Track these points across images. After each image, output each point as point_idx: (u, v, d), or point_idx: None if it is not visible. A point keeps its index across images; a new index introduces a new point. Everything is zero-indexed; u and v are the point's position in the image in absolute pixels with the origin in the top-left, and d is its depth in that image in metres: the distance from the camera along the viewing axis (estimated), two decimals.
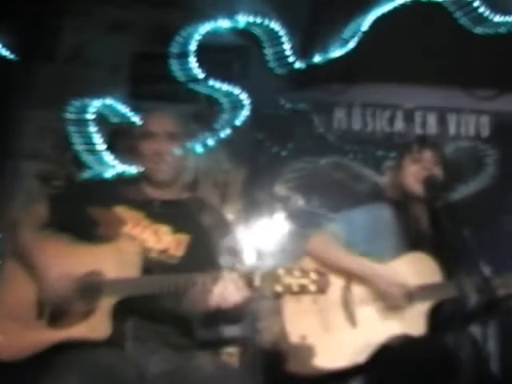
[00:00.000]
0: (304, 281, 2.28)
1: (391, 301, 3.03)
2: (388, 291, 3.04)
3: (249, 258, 4.59)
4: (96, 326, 2.47)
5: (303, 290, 2.28)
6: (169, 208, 2.89)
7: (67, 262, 2.64)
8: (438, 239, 3.19)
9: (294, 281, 2.28)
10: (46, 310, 2.60)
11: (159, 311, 2.63)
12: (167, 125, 2.93)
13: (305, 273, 2.30)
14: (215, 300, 2.45)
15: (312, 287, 2.28)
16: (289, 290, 2.29)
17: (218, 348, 3.66)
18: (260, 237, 4.68)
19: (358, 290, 3.10)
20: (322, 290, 2.29)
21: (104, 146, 4.74)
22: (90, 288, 2.55)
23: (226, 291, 2.40)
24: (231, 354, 3.85)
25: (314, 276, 2.29)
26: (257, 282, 2.35)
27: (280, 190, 4.80)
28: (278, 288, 2.29)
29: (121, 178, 4.45)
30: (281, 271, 2.30)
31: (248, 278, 2.38)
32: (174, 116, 3.09)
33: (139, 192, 2.93)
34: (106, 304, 2.49)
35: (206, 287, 2.42)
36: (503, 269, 3.15)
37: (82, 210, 2.86)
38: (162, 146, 2.86)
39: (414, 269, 3.10)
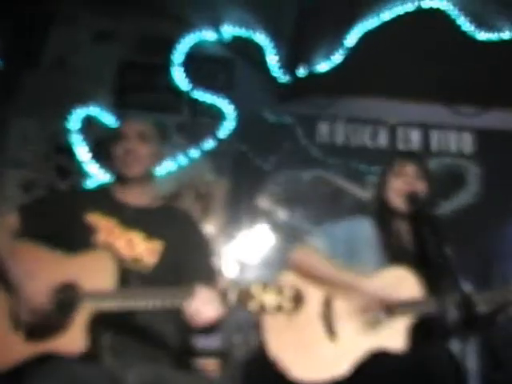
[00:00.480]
0: (278, 298, 2.26)
1: (371, 314, 3.04)
2: (368, 304, 3.04)
3: (230, 271, 4.59)
4: (72, 339, 2.45)
5: (278, 307, 2.25)
6: (142, 214, 2.89)
7: (42, 273, 2.62)
8: (419, 254, 3.19)
9: (269, 298, 2.25)
10: (22, 322, 2.57)
11: (135, 324, 2.61)
12: (138, 126, 2.96)
13: (279, 290, 2.27)
14: (190, 315, 2.45)
15: (286, 304, 2.25)
16: (263, 307, 2.26)
17: (195, 360, 3.65)
18: (242, 249, 4.68)
19: (337, 305, 3.10)
20: (296, 307, 2.26)
21: (88, 155, 4.72)
22: (66, 301, 2.53)
23: (201, 307, 2.38)
24: (211, 366, 3.83)
25: (288, 293, 2.27)
26: (231, 298, 2.33)
27: (263, 202, 4.80)
28: (253, 305, 2.26)
29: (93, 186, 4.44)
30: (255, 288, 2.27)
31: (222, 295, 2.35)
32: (146, 120, 3.12)
33: (112, 198, 2.93)
34: (82, 317, 2.47)
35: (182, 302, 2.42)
36: (485, 285, 3.17)
37: (53, 219, 2.85)
38: (131, 145, 2.87)
39: (395, 283, 3.10)
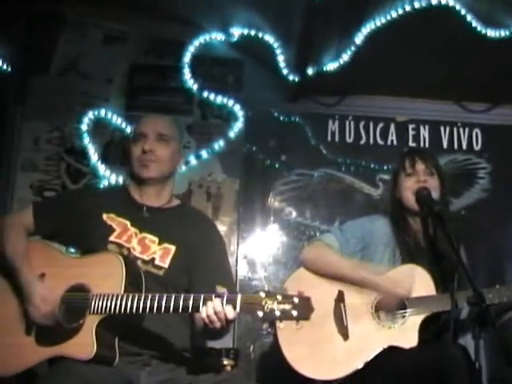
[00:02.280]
0: (286, 306, 2.22)
1: (385, 312, 3.05)
2: (383, 302, 3.06)
3: (241, 270, 4.60)
4: (83, 343, 2.45)
5: (285, 315, 2.22)
6: (157, 215, 2.88)
7: (53, 276, 2.63)
8: (432, 251, 3.20)
9: (276, 306, 2.22)
10: (33, 326, 2.58)
11: (146, 326, 2.61)
12: (157, 126, 2.95)
13: (287, 298, 2.23)
14: (199, 320, 2.44)
15: (294, 312, 2.21)
16: (271, 315, 2.22)
17: (208, 360, 3.65)
18: (253, 248, 4.69)
19: (350, 303, 3.11)
20: (304, 315, 2.23)
21: (98, 157, 4.74)
22: (76, 304, 2.54)
23: (209, 315, 2.36)
24: (224, 366, 3.84)
25: (296, 301, 2.23)
26: (238, 307, 2.31)
27: (273, 201, 4.80)
28: (260, 313, 2.23)
29: (109, 186, 4.45)
30: (262, 296, 2.24)
31: (230, 303, 2.33)
32: (166, 118, 3.11)
33: (128, 198, 2.93)
34: (93, 320, 2.47)
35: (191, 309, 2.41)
36: (497, 281, 3.17)
37: (68, 217, 2.86)
38: (150, 145, 2.86)
39: (408, 281, 3.10)
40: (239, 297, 2.32)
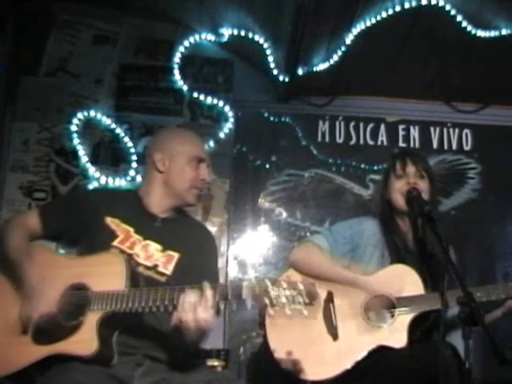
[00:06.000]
0: (292, 292, 2.23)
1: (373, 312, 3.05)
2: (371, 302, 3.06)
3: (232, 270, 4.60)
4: (83, 340, 2.43)
5: (292, 301, 2.22)
6: (164, 225, 2.86)
7: (54, 276, 2.62)
8: (422, 252, 3.20)
9: (282, 292, 2.23)
10: (30, 325, 2.57)
11: (144, 325, 2.60)
12: (204, 151, 2.93)
13: (292, 284, 2.24)
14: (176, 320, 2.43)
15: (300, 298, 2.22)
16: (277, 301, 2.23)
17: (202, 360, 3.64)
18: (244, 249, 4.69)
19: (339, 304, 3.11)
20: (310, 300, 2.23)
21: (88, 158, 4.73)
22: (76, 303, 2.53)
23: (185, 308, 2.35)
24: (216, 366, 3.84)
25: (301, 287, 2.24)
26: (244, 294, 2.31)
27: (263, 202, 4.80)
28: (266, 300, 2.24)
29: (119, 189, 4.40)
30: (268, 283, 2.25)
31: (235, 291, 2.33)
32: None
33: (139, 206, 2.90)
34: (92, 318, 2.46)
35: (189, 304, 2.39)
36: (487, 281, 3.18)
37: (72, 219, 2.84)
38: (207, 174, 2.86)
39: (398, 281, 3.11)
40: (245, 285, 2.32)
